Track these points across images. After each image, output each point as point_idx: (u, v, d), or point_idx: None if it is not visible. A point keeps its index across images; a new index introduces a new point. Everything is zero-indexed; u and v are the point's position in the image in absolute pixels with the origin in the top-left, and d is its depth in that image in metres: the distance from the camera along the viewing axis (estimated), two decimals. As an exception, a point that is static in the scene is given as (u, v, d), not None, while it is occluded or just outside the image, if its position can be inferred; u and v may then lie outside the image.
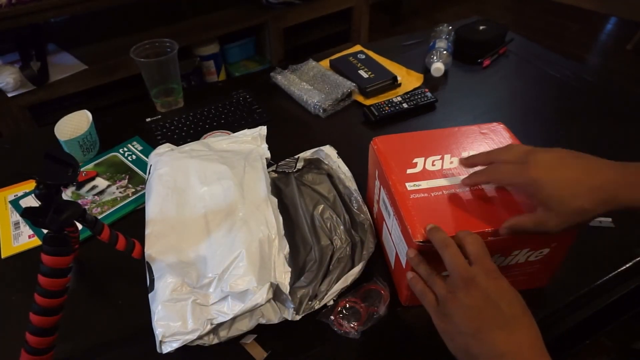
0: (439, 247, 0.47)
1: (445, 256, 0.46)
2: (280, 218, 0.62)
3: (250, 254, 0.56)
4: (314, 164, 0.79)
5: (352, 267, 0.62)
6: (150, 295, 0.56)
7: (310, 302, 0.59)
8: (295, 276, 0.61)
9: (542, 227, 0.45)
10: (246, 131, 0.79)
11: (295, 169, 0.78)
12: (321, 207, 0.71)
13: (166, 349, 0.52)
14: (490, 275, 0.44)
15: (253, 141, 0.77)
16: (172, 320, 0.52)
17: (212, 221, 0.61)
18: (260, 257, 0.56)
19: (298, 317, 0.57)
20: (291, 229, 0.68)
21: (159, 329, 0.52)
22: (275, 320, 0.57)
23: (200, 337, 0.53)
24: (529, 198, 0.48)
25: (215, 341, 0.55)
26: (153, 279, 0.57)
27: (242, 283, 0.53)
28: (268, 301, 0.53)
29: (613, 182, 0.43)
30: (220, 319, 0.52)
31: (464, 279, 0.44)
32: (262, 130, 0.78)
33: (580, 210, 0.43)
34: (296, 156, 0.79)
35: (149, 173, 0.72)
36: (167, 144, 0.78)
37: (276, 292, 0.55)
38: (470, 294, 0.43)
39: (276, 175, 0.78)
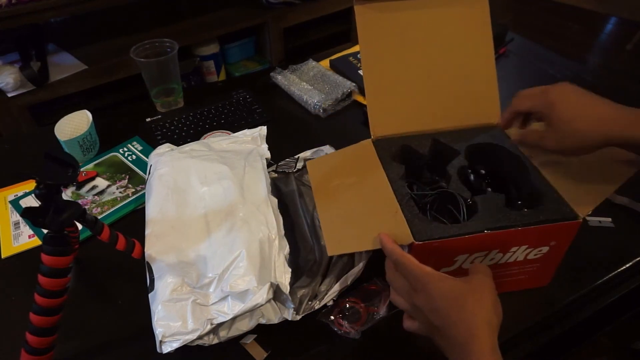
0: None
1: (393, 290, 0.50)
2: (281, 218, 0.62)
3: (251, 254, 0.56)
4: (314, 164, 0.79)
5: (352, 267, 0.62)
6: (150, 295, 0.56)
7: (310, 302, 0.59)
8: (295, 276, 0.61)
9: (541, 141, 0.52)
10: (246, 131, 0.79)
11: (295, 169, 0.78)
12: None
13: (166, 349, 0.52)
14: (416, 289, 0.46)
15: (253, 141, 0.77)
16: (172, 320, 0.52)
17: (212, 221, 0.61)
18: (261, 257, 0.56)
19: (298, 317, 0.57)
20: (291, 229, 0.68)
21: (159, 329, 0.52)
22: (275, 320, 0.56)
23: (200, 337, 0.53)
24: (543, 119, 0.52)
25: (215, 341, 0.55)
26: (153, 279, 0.57)
27: (242, 283, 0.53)
28: (268, 301, 0.53)
29: (616, 118, 0.47)
30: (220, 319, 0.52)
31: (411, 306, 0.47)
32: (262, 130, 0.78)
33: (580, 135, 0.48)
34: (296, 156, 0.79)
35: (149, 173, 0.72)
36: (167, 144, 0.78)
37: (276, 292, 0.55)
38: (418, 317, 0.47)
39: (276, 175, 0.78)
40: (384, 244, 0.49)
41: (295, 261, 0.63)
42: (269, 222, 0.60)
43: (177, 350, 0.52)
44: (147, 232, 0.62)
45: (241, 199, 0.63)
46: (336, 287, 0.60)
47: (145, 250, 0.60)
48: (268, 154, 0.73)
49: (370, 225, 0.53)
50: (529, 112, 0.55)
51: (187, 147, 0.76)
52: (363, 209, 0.56)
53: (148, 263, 0.59)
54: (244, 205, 0.62)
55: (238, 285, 0.53)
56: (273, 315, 0.57)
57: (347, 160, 0.63)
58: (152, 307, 0.55)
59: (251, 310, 0.53)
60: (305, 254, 0.65)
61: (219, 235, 0.60)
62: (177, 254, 0.59)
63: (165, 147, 0.77)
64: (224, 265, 0.56)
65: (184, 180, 0.67)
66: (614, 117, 0.47)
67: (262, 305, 0.53)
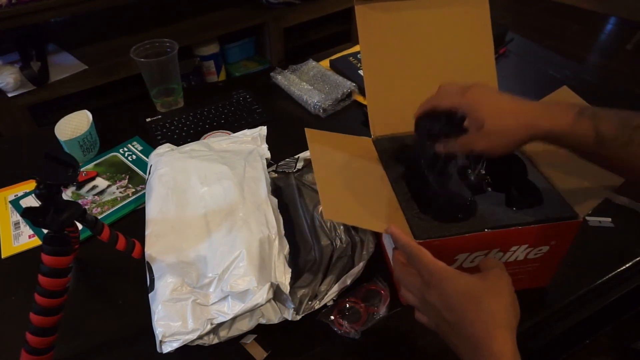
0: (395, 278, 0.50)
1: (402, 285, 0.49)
2: (281, 218, 0.62)
3: (251, 254, 0.56)
4: (314, 164, 0.79)
5: (352, 267, 0.62)
6: (150, 295, 0.56)
7: (310, 302, 0.59)
8: (295, 276, 0.61)
9: (469, 146, 0.50)
10: (246, 131, 0.79)
11: (295, 169, 0.78)
12: (321, 207, 0.71)
13: (166, 348, 0.52)
14: (430, 285, 0.44)
15: (253, 141, 0.77)
16: (172, 320, 0.52)
17: (212, 221, 0.61)
18: (261, 257, 0.56)
19: (298, 317, 0.57)
20: (291, 229, 0.68)
21: (159, 329, 0.52)
22: (275, 320, 0.57)
23: (200, 337, 0.53)
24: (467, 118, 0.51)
25: (215, 341, 0.55)
26: (153, 279, 0.57)
27: (242, 283, 0.53)
28: (268, 301, 0.53)
29: (535, 111, 0.48)
30: (221, 319, 0.52)
31: (421, 302, 0.46)
32: (262, 130, 0.78)
33: (504, 130, 0.48)
34: (296, 156, 0.79)
35: (149, 173, 0.72)
36: (167, 144, 0.78)
37: (276, 292, 0.55)
38: (429, 313, 0.46)
39: (276, 175, 0.78)
40: (396, 236, 0.48)
41: (295, 261, 0.63)
42: (269, 222, 0.60)
43: (177, 350, 0.52)
44: (147, 232, 0.62)
45: (241, 199, 0.63)
46: (336, 287, 0.60)
47: (145, 250, 0.60)
48: (268, 154, 0.73)
49: (371, 208, 0.53)
50: (447, 110, 0.53)
51: (187, 147, 0.76)
52: (364, 193, 0.55)
53: (148, 263, 0.59)
54: (244, 205, 0.62)
55: (238, 285, 0.53)
56: (273, 315, 0.57)
57: (348, 146, 0.63)
58: (152, 307, 0.55)
59: (251, 310, 0.53)
60: (305, 254, 0.65)
61: (219, 235, 0.60)
62: (177, 254, 0.59)
63: (165, 147, 0.77)
64: (224, 265, 0.56)
65: (184, 180, 0.67)
66: (534, 112, 0.48)
67: (262, 305, 0.53)
